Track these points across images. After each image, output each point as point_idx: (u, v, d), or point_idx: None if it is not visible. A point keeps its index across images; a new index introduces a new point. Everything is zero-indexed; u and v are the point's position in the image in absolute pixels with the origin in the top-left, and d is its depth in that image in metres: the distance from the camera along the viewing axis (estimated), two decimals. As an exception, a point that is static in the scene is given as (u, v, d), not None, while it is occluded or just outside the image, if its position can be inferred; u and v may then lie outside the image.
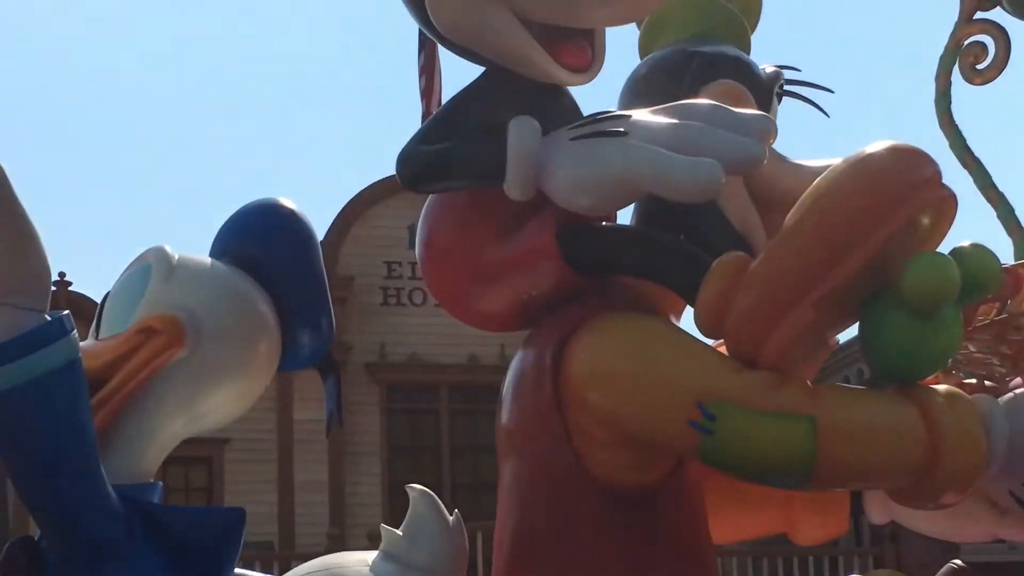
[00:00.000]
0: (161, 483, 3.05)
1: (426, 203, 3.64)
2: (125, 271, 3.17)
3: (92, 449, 2.70)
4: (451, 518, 3.24)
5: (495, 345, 22.55)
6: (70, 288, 22.29)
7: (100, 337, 3.08)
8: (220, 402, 3.09)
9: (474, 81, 3.55)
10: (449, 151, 3.39)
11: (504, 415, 3.52)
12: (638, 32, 4.01)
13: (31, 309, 2.58)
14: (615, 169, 3.18)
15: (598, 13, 3.48)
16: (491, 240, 3.43)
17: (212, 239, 3.26)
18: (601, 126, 3.26)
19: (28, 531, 3.00)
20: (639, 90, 3.77)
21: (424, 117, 23.70)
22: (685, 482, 3.39)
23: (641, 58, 3.95)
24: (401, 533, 3.16)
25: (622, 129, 3.22)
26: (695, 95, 3.55)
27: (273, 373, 3.15)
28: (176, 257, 3.08)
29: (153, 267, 3.06)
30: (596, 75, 3.54)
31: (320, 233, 23.85)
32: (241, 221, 3.23)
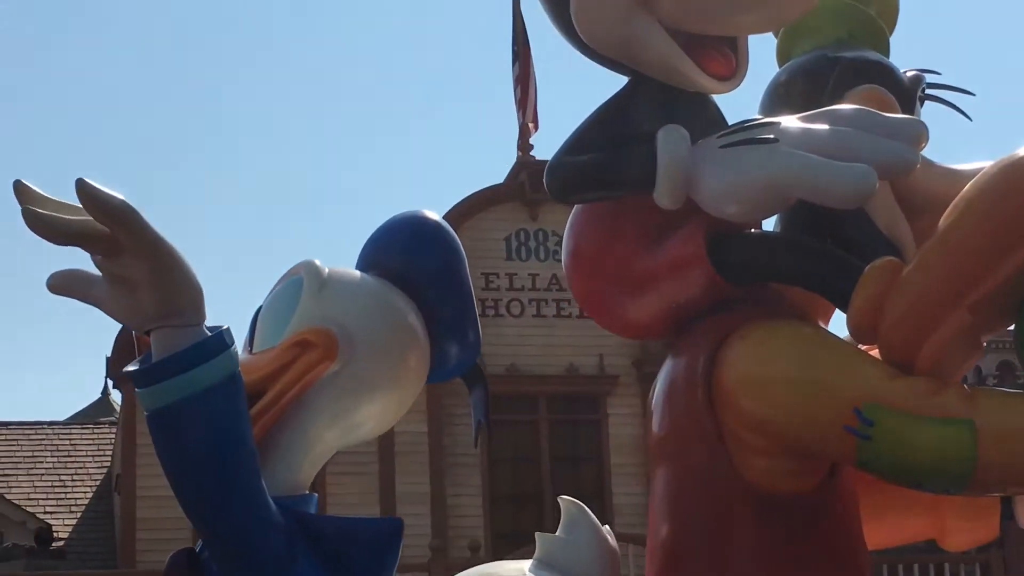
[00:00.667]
0: (316, 495, 3.07)
1: (571, 214, 3.66)
2: (275, 285, 3.20)
3: (253, 461, 2.71)
4: (604, 527, 3.24)
5: (594, 355, 22.57)
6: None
7: (253, 351, 3.11)
8: (372, 414, 3.09)
9: (619, 91, 3.57)
10: (598, 161, 3.41)
11: (655, 423, 3.53)
12: (775, 40, 4.00)
13: (188, 325, 2.60)
14: (767, 176, 3.18)
15: (745, 20, 3.48)
16: (639, 249, 3.45)
17: (357, 254, 3.29)
18: (751, 133, 3.27)
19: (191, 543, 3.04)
20: (781, 97, 3.77)
21: (520, 127, 23.81)
22: (840, 488, 3.38)
23: (779, 65, 3.94)
24: (556, 541, 3.17)
25: (772, 136, 3.23)
26: (839, 101, 3.55)
27: (423, 384, 3.17)
28: (326, 271, 3.11)
29: (304, 281, 3.07)
30: (740, 83, 3.55)
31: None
32: (387, 234, 3.25)
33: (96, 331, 50.36)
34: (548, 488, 22.45)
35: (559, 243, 23.10)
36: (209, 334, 2.62)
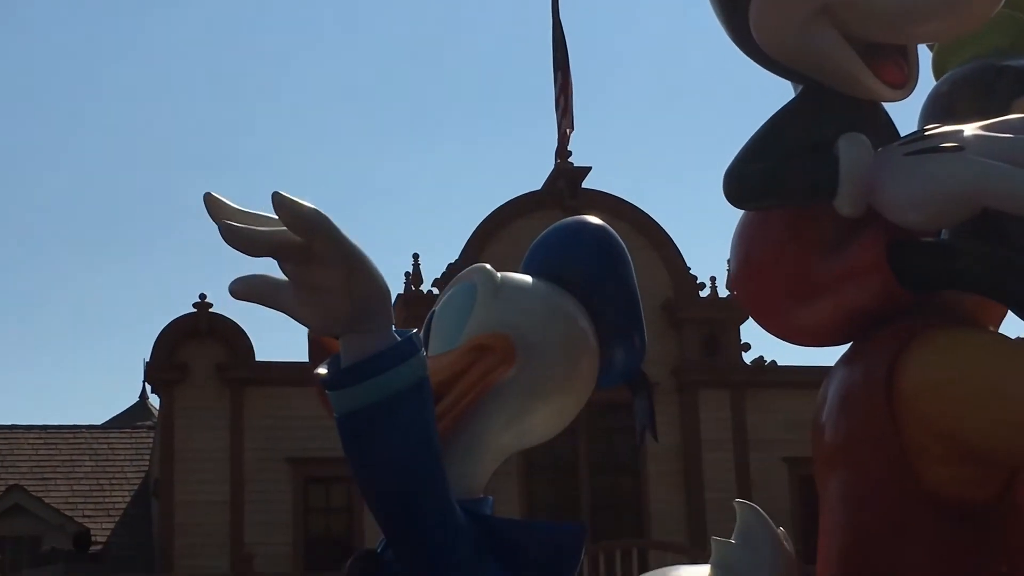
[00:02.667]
0: (492, 498, 3.09)
1: (740, 222, 3.67)
2: (447, 290, 3.22)
3: (441, 466, 2.72)
4: (779, 530, 3.25)
5: (633, 363, 22.58)
6: (211, 310, 22.63)
7: (429, 355, 3.13)
8: (545, 418, 3.10)
9: (795, 99, 3.58)
10: (777, 169, 3.43)
11: (828, 431, 3.53)
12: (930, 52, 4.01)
13: (377, 330, 2.63)
14: (956, 184, 3.19)
15: (927, 28, 3.49)
16: (815, 256, 3.46)
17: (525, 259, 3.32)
18: (935, 141, 3.28)
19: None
20: (943, 108, 3.77)
21: (560, 135, 23.84)
22: (1021, 498, 3.38)
23: (936, 77, 3.95)
24: (732, 546, 3.17)
25: (958, 144, 3.24)
26: (1006, 111, 3.55)
27: (592, 389, 3.19)
28: (499, 276, 3.13)
29: (478, 286, 3.09)
30: (912, 91, 3.55)
31: (455, 252, 24.09)
32: (554, 239, 3.27)
33: (134, 336, 50.58)
34: (586, 497, 22.48)
35: (598, 250, 23.36)
36: (399, 339, 2.64)
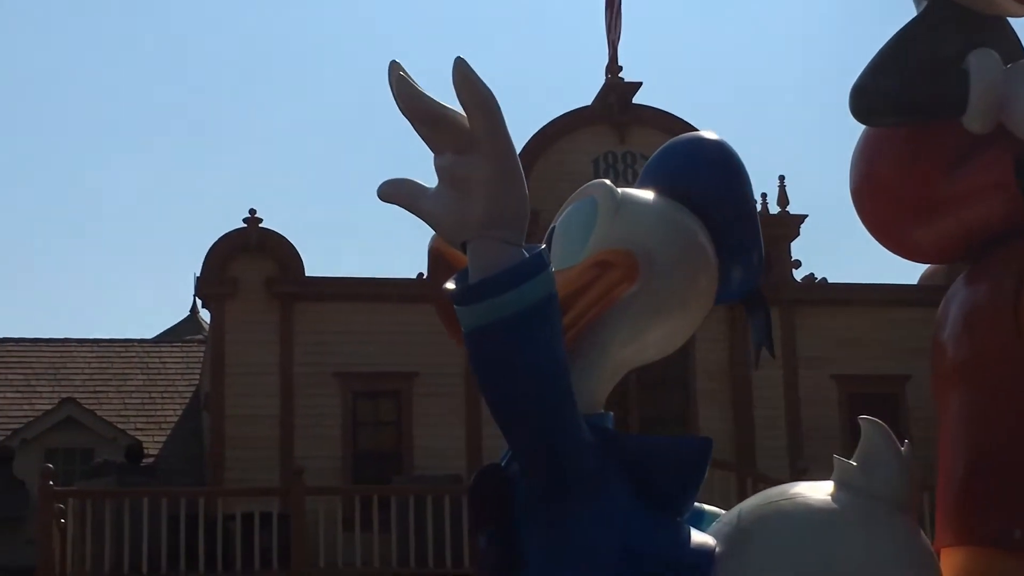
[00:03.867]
0: (612, 413, 3.07)
1: (861, 137, 3.62)
2: (566, 205, 3.21)
3: (569, 380, 2.72)
4: (904, 447, 3.18)
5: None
6: (260, 225, 22.67)
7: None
8: (664, 334, 3.12)
9: (920, 14, 3.55)
10: (907, 85, 3.39)
11: (951, 349, 3.51)
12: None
13: (512, 243, 2.62)
14: None
15: None
16: (938, 174, 3.43)
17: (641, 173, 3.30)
18: None
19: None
20: None
21: (609, 49, 23.62)
22: None
23: None
24: (855, 463, 3.11)
25: None
26: None
27: (711, 305, 3.17)
28: (619, 192, 3.12)
29: (600, 202, 3.10)
30: None
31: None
32: (672, 155, 3.25)
33: (185, 250, 50.79)
34: (635, 412, 22.49)
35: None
36: (527, 255, 2.62)
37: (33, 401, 25.41)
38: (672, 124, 23.49)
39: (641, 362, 3.14)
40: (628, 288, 2.97)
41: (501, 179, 2.56)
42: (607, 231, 3.04)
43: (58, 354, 26.89)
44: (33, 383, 26.12)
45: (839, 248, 44.68)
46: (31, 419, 24.29)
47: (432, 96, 2.58)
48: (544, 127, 23.42)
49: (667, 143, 3.28)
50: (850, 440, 22.70)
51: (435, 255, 3.03)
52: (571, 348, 2.88)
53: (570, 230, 3.11)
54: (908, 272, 37.90)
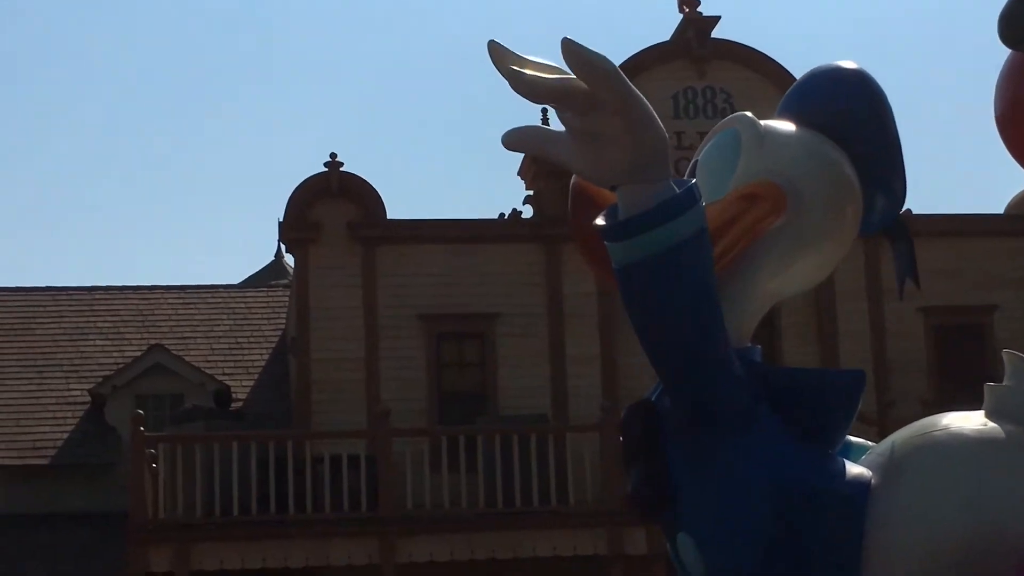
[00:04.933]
0: (760, 347, 3.05)
1: (1007, 63, 3.57)
2: (708, 138, 3.20)
3: (719, 314, 2.71)
4: None
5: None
6: (341, 168, 22.74)
7: None
8: (811, 265, 3.11)
9: None
10: None
11: None
12: None
13: (656, 181, 2.62)
14: None
15: None
16: None
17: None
18: None
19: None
20: None
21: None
22: None
23: None
24: (1007, 391, 3.03)
25: None
26: None
27: (855, 236, 3.14)
28: (762, 124, 3.10)
29: (743, 134, 3.08)
30: None
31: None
32: (813, 85, 3.21)
33: (268, 195, 51.08)
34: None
35: (727, 100, 22.89)
36: (677, 189, 2.61)
37: (122, 348, 25.71)
38: (752, 58, 23.28)
39: (787, 294, 3.14)
40: (775, 221, 2.96)
41: (635, 128, 2.56)
42: (752, 164, 3.02)
43: (145, 301, 27.15)
44: (121, 330, 26.41)
45: (922, 180, 44.20)
46: (120, 366, 24.58)
47: (537, 65, 2.59)
48: (622, 63, 23.25)
49: (806, 74, 3.24)
50: (936, 373, 22.56)
51: (577, 190, 3.03)
52: (719, 281, 2.85)
53: (713, 163, 3.10)
54: (992, 203, 37.34)
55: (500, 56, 2.58)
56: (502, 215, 23.71)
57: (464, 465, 19.43)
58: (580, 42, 2.49)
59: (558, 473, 19.84)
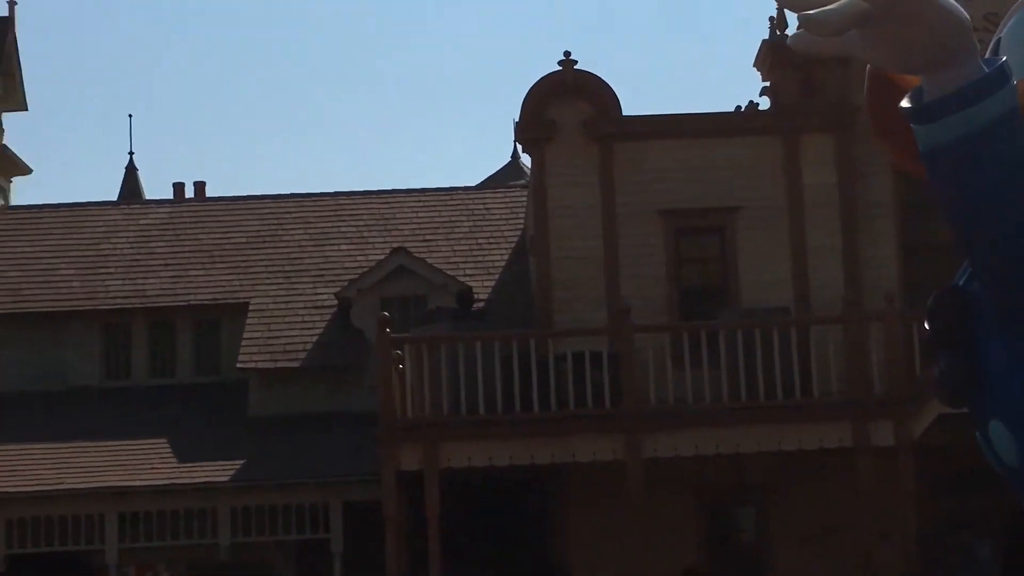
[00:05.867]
0: None
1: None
2: (1011, 14, 3.11)
3: None
4: None
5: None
6: (575, 67, 22.71)
7: None
8: None
9: None
10: None
11: None
12: None
13: (962, 65, 2.56)
14: None
15: None
16: None
17: None
18: None
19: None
20: None
21: None
22: None
23: None
24: None
25: None
26: None
27: None
28: None
29: None
30: None
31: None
32: None
33: (503, 96, 51.39)
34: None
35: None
36: (986, 69, 2.53)
37: (366, 252, 26.19)
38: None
39: None
40: None
41: (932, 29, 2.47)
42: None
43: (387, 205, 27.58)
44: (365, 234, 26.90)
45: None
46: (365, 269, 25.06)
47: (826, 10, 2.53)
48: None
49: None
50: None
51: (875, 73, 2.97)
52: None
53: (1019, 38, 2.97)
54: None
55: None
56: (739, 107, 23.42)
57: (706, 360, 19.41)
58: None
59: (801, 366, 19.70)
